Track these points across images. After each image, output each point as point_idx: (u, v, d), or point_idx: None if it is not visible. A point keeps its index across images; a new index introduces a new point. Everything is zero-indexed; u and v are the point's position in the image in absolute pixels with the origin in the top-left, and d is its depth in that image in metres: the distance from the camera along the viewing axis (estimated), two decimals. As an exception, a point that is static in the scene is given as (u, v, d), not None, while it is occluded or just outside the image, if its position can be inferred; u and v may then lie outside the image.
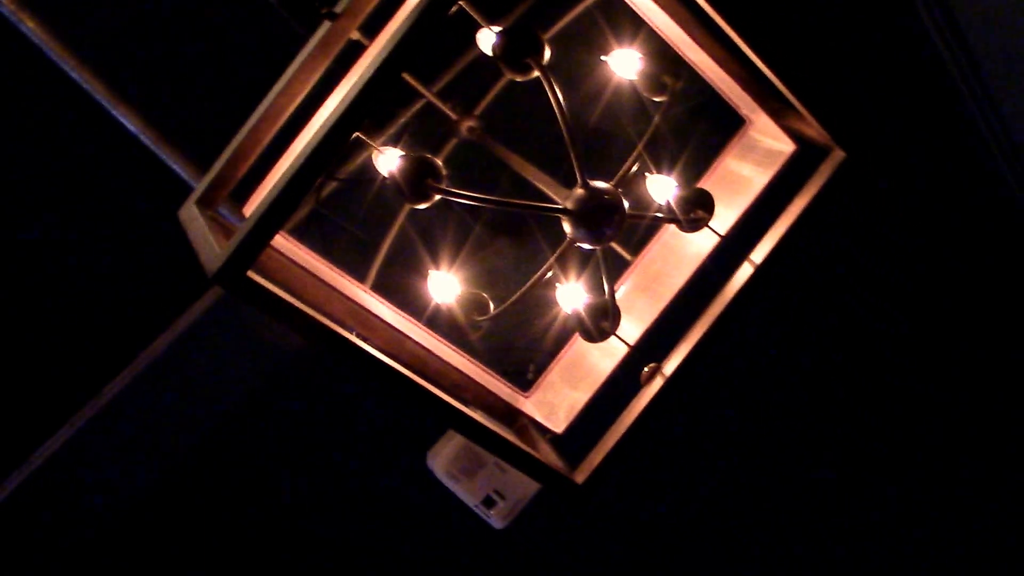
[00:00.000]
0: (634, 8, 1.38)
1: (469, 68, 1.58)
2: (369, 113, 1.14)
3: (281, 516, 2.15)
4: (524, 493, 1.95)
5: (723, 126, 1.54)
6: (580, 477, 1.43)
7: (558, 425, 1.49)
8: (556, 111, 1.24)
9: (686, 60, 1.39)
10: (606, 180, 1.30)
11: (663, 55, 1.36)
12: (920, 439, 2.42)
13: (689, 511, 2.47)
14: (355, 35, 1.34)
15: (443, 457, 1.93)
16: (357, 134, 1.26)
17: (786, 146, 1.47)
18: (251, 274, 1.15)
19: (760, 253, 1.43)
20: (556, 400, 1.53)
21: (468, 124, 1.58)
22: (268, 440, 2.09)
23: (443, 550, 2.30)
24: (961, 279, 2.40)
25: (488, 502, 1.95)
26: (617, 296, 1.49)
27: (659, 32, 1.39)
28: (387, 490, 2.21)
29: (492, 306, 1.35)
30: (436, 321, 1.44)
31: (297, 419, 2.09)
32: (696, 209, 1.41)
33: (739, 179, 1.51)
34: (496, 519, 1.96)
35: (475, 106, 1.59)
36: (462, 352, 1.48)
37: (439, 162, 1.24)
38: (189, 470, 1.98)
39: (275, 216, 1.14)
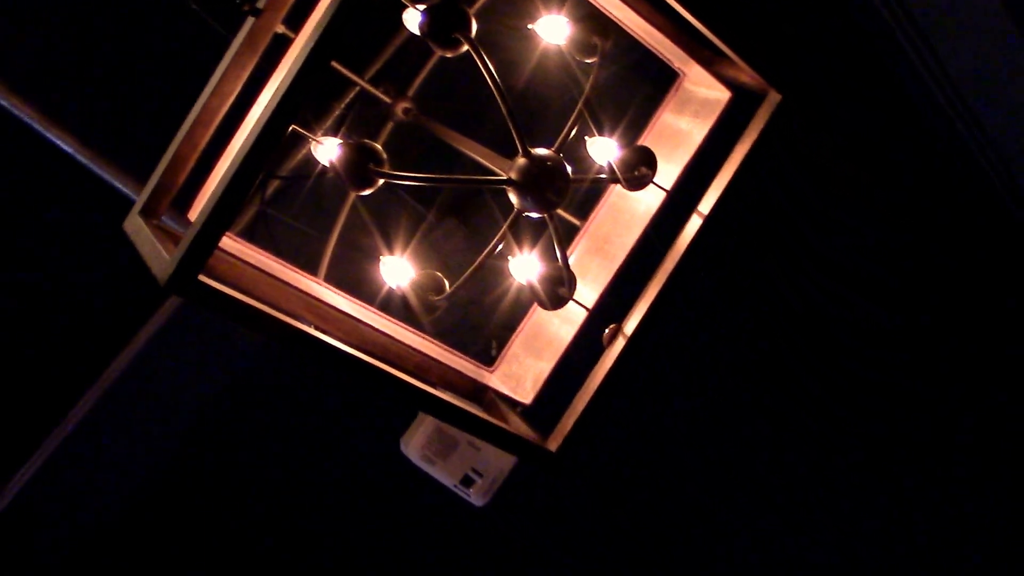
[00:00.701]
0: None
1: (398, 50, 1.58)
2: (303, 105, 1.13)
3: (263, 516, 2.14)
4: (501, 468, 1.96)
5: (657, 82, 1.54)
6: (553, 444, 1.43)
7: (526, 396, 1.49)
8: (490, 83, 1.24)
9: (613, 19, 1.39)
10: (547, 147, 1.30)
11: (591, 16, 1.35)
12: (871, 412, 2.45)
13: (666, 479, 2.50)
14: (280, 29, 1.33)
15: (416, 441, 1.93)
16: (294, 127, 1.25)
17: (721, 94, 1.48)
18: (203, 278, 1.15)
19: (707, 203, 1.43)
20: (521, 372, 1.53)
21: (403, 106, 1.58)
22: (241, 443, 2.08)
23: (427, 533, 2.31)
24: (907, 229, 2.43)
25: (467, 481, 1.96)
26: (570, 262, 1.49)
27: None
28: (365, 480, 2.21)
29: (447, 285, 1.35)
30: (394, 306, 1.44)
31: (268, 419, 2.09)
32: (639, 167, 1.42)
33: (678, 133, 1.51)
34: (476, 497, 1.96)
35: (408, 87, 1.59)
36: (423, 334, 1.47)
37: (378, 146, 1.24)
38: (166, 480, 1.97)
39: (219, 219, 1.13)
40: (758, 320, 2.42)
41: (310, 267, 1.43)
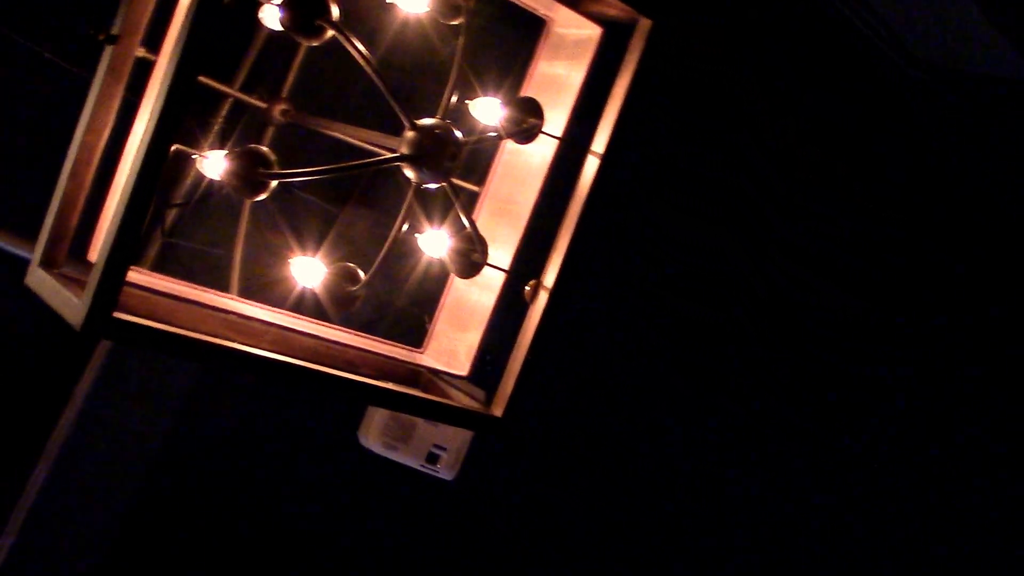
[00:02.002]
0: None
1: (262, 52, 1.56)
2: (180, 126, 1.11)
3: (242, 537, 2.13)
4: (464, 438, 1.98)
5: (527, 32, 1.54)
6: (498, 410, 1.44)
7: (462, 368, 1.49)
8: (362, 64, 1.23)
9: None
10: (432, 116, 1.30)
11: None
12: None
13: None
14: (140, 52, 1.30)
15: (374, 431, 1.94)
16: (177, 147, 1.23)
17: (592, 31, 1.48)
18: (118, 315, 1.13)
19: (600, 142, 1.44)
20: (452, 346, 1.53)
21: (279, 108, 1.56)
22: (202, 473, 2.06)
23: (405, 518, 2.31)
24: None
25: (432, 458, 1.97)
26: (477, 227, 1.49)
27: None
28: (333, 481, 2.20)
29: (362, 273, 1.34)
30: (315, 306, 1.43)
31: (223, 444, 2.07)
32: (526, 119, 1.42)
33: (557, 78, 1.52)
34: (445, 471, 1.98)
35: (281, 88, 1.57)
36: (349, 330, 1.47)
37: (265, 149, 1.22)
38: (135, 522, 1.95)
39: (120, 253, 1.11)
40: (720, 302, 2.45)
41: (225, 285, 1.41)
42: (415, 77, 1.54)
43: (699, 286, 2.47)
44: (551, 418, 2.39)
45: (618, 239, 2.47)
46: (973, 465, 2.03)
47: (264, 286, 1.45)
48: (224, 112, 1.62)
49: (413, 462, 1.97)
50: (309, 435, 2.12)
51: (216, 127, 1.58)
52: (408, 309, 1.67)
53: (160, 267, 1.54)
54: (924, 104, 2.23)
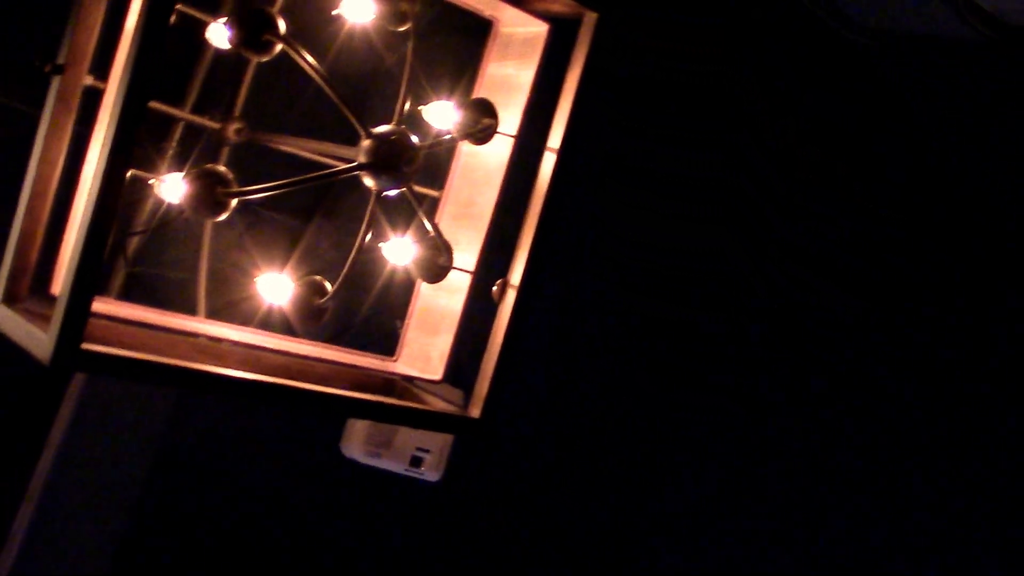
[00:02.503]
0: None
1: (211, 71, 1.55)
2: (133, 154, 1.11)
3: (233, 558, 2.12)
4: (446, 439, 1.98)
5: (475, 35, 1.54)
6: (475, 411, 1.44)
7: (436, 373, 1.49)
8: (314, 76, 1.23)
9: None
10: (386, 124, 1.30)
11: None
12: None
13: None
14: (89, 80, 1.30)
15: (356, 441, 1.95)
16: (133, 172, 1.22)
17: (539, 28, 1.49)
18: (87, 346, 1.12)
19: (556, 138, 1.44)
20: (424, 352, 1.53)
21: (233, 127, 1.55)
22: (190, 495, 2.05)
23: (395, 524, 2.31)
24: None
25: (416, 461, 1.98)
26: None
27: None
28: (320, 495, 2.20)
29: (329, 286, 1.34)
30: (285, 322, 1.42)
31: (206, 467, 2.06)
32: (481, 120, 1.43)
33: (508, 78, 1.52)
34: (430, 473, 1.99)
35: (233, 107, 1.56)
36: (320, 343, 1.46)
37: (222, 168, 1.22)
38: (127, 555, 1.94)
39: (84, 284, 1.10)
40: (720, 302, 2.46)
41: (192, 308, 1.41)
42: (366, 86, 1.54)
43: (691, 286, 2.48)
44: (534, 412, 2.40)
45: (614, 237, 2.48)
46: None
47: (232, 306, 1.45)
48: (177, 135, 1.62)
49: (397, 467, 1.98)
50: (292, 450, 2.11)
51: (170, 150, 1.57)
52: (378, 318, 1.67)
53: (125, 295, 1.53)
54: (875, 71, 2.25)
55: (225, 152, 1.54)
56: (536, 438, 2.44)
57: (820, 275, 2.37)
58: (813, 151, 2.36)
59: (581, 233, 2.45)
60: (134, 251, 1.63)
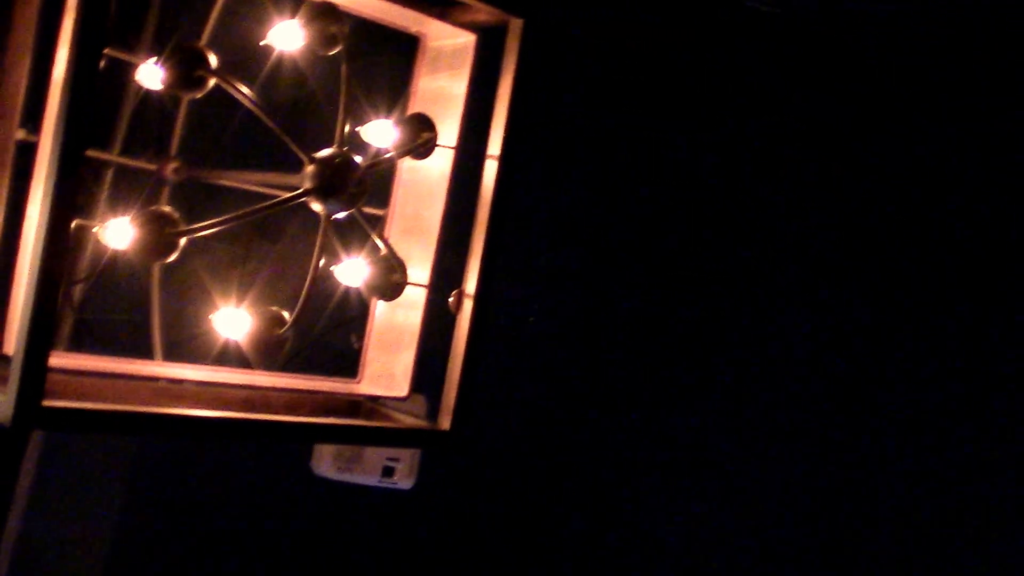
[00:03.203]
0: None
1: (143, 111, 1.53)
2: (74, 204, 1.10)
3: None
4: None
5: (403, 52, 1.54)
6: (445, 423, 1.44)
7: (402, 390, 1.49)
8: (251, 107, 1.22)
9: (338, 6, 1.38)
10: (327, 147, 1.30)
11: (318, 11, 1.34)
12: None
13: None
14: (20, 135, 1.28)
15: (326, 460, 1.95)
16: (77, 222, 1.20)
17: (467, 39, 1.49)
18: (47, 403, 1.10)
19: (495, 145, 1.44)
20: (387, 370, 1.53)
21: (170, 166, 1.54)
22: (165, 538, 2.03)
23: (375, 535, 2.30)
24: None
25: (387, 472, 1.98)
26: (391, 249, 1.48)
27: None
28: (298, 518, 2.19)
29: (287, 315, 1.33)
30: (243, 357, 1.41)
31: (179, 505, 2.04)
32: (420, 134, 1.43)
33: (441, 91, 1.52)
34: (403, 481, 2.00)
35: (168, 146, 1.55)
36: (281, 373, 1.45)
37: (167, 209, 1.21)
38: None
39: (39, 341, 1.09)
40: (690, 300, 2.46)
41: (148, 351, 1.39)
42: (300, 112, 1.53)
43: (659, 284, 2.49)
44: (503, 413, 2.40)
45: (578, 237, 2.49)
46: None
47: (188, 345, 1.44)
48: (109, 179, 1.60)
49: (370, 480, 2.00)
50: (263, 476, 2.10)
51: (103, 195, 1.55)
52: (336, 340, 1.66)
53: (76, 345, 1.51)
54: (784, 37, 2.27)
55: (165, 192, 1.52)
56: (505, 437, 2.44)
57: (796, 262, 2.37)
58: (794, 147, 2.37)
59: (550, 235, 2.46)
60: (79, 298, 1.61)
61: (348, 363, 1.56)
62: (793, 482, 2.29)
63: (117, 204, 1.57)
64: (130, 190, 1.58)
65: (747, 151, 2.42)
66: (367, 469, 2.02)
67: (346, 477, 2.01)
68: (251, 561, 2.16)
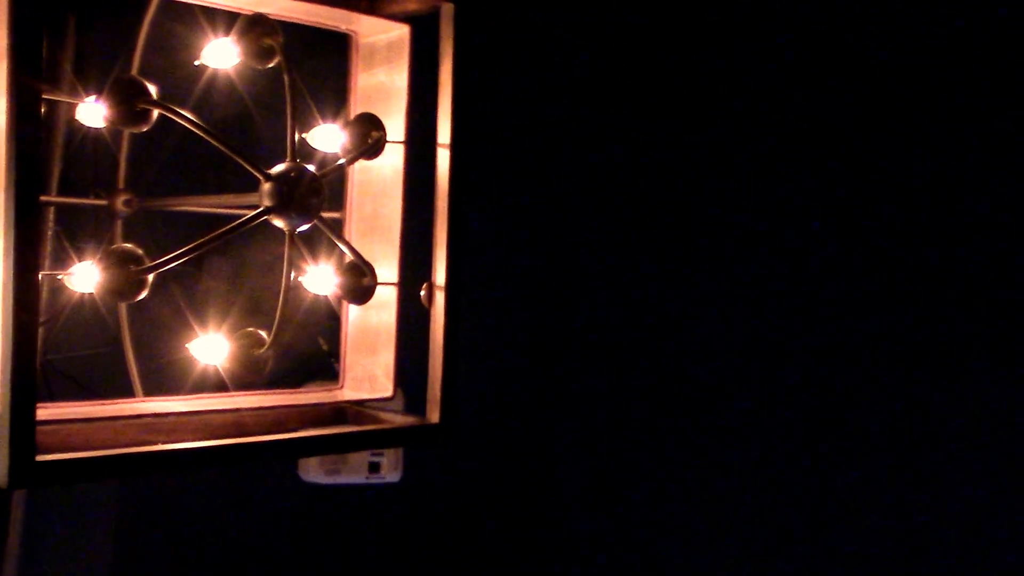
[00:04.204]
0: (191, 1, 1.35)
1: (83, 147, 1.51)
2: (38, 256, 1.08)
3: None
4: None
5: (336, 52, 1.53)
6: (433, 416, 1.44)
7: (387, 391, 1.49)
8: (198, 132, 1.21)
9: (265, 16, 1.36)
10: (281, 161, 1.29)
11: (249, 26, 1.32)
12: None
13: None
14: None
15: (313, 466, 1.96)
16: (43, 274, 1.18)
17: (400, 30, 1.48)
18: (41, 458, 1.09)
19: (444, 133, 1.44)
20: (368, 373, 1.52)
21: (120, 199, 1.52)
22: (162, 564, 2.02)
23: (371, 532, 2.30)
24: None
25: (373, 467, 1.99)
26: (355, 251, 1.48)
27: (223, 6, 1.36)
28: (293, 528, 2.19)
29: (265, 335, 1.32)
30: (222, 381, 1.40)
31: (171, 531, 2.03)
32: (369, 134, 1.42)
33: (382, 86, 1.51)
34: (390, 475, 2.01)
35: (115, 179, 1.53)
36: (263, 391, 1.45)
37: (130, 247, 1.19)
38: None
39: (24, 396, 1.07)
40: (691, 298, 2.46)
41: (129, 390, 1.38)
42: (243, 126, 1.52)
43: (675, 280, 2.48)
44: (482, 400, 2.40)
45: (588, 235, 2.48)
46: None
47: (166, 377, 1.42)
48: (59, 219, 1.58)
49: (358, 478, 2.01)
50: (251, 491, 2.09)
51: (53, 235, 1.54)
52: (305, 347, 1.66)
53: (53, 394, 1.49)
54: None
55: (119, 226, 1.51)
56: (484, 423, 2.45)
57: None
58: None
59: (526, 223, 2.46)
60: (46, 344, 1.59)
61: (322, 367, 1.56)
62: (782, 474, 2.31)
63: (71, 244, 1.55)
64: (79, 227, 1.57)
65: (727, 144, 2.41)
66: (354, 468, 2.03)
67: (335, 479, 2.02)
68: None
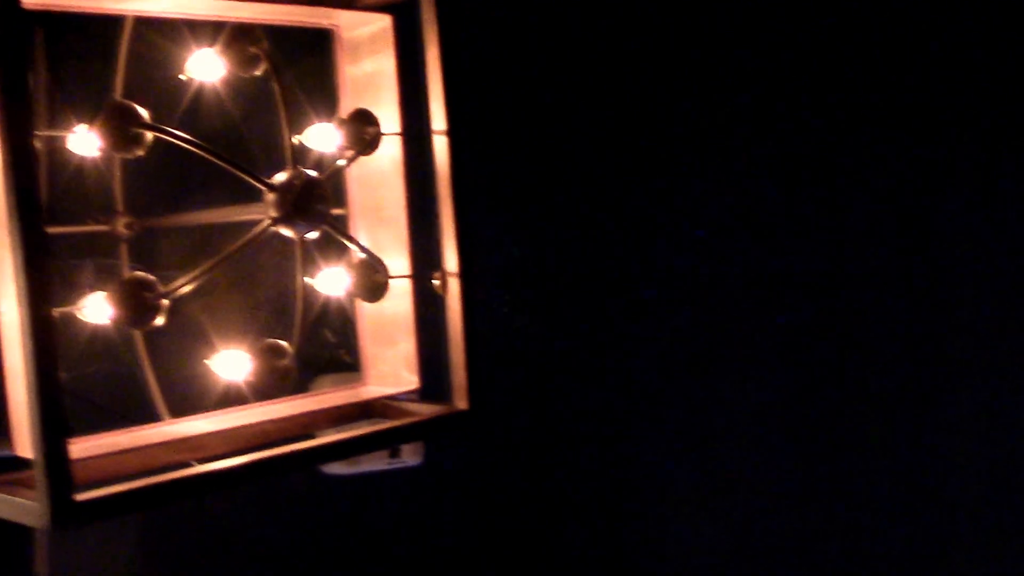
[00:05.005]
0: (168, 16, 1.33)
1: (75, 176, 1.49)
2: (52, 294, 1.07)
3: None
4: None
5: (325, 49, 1.52)
6: (461, 403, 1.44)
7: (411, 383, 1.49)
8: (194, 150, 1.19)
9: (246, 23, 1.34)
10: (280, 168, 1.27)
11: (231, 37, 1.30)
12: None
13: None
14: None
15: None
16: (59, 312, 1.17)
17: (383, 21, 1.47)
18: (79, 497, 1.09)
19: (438, 120, 1.42)
20: (391, 366, 1.52)
21: (122, 222, 1.50)
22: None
23: (400, 517, 2.30)
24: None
25: (394, 452, 1.98)
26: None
27: (201, 18, 1.34)
28: (320, 523, 2.18)
29: (287, 344, 1.31)
30: (245, 392, 1.39)
31: (197, 542, 2.03)
32: (364, 130, 1.41)
33: (369, 77, 1.50)
34: (411, 458, 1.99)
35: (113, 202, 1.51)
36: (289, 398, 1.44)
37: (142, 274, 1.18)
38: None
39: (55, 437, 1.07)
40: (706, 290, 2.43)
41: (153, 414, 1.38)
42: (249, 136, 1.50)
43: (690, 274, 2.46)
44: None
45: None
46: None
47: (188, 395, 1.42)
48: (58, 251, 1.56)
49: (380, 465, 1.99)
50: (274, 493, 2.08)
51: (66, 267, 1.52)
52: (330, 349, 1.65)
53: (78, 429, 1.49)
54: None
55: (124, 250, 1.49)
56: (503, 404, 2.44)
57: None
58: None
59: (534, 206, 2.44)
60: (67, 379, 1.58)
61: (332, 360, 1.55)
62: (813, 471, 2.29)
63: (76, 273, 1.54)
64: (79, 254, 1.55)
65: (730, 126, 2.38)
66: (374, 456, 2.02)
67: (357, 469, 2.01)
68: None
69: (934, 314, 2.10)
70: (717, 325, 2.37)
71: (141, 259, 1.49)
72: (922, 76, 2.07)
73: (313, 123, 1.43)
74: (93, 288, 1.22)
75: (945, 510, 2.09)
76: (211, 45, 1.31)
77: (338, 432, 1.37)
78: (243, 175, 1.22)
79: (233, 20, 1.33)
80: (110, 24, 1.39)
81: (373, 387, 1.52)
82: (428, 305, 1.49)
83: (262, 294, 1.65)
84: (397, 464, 2.04)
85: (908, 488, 2.14)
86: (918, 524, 2.13)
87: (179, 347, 1.48)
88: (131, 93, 1.40)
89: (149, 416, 1.41)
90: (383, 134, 1.43)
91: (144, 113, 1.18)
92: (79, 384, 1.48)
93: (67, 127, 1.28)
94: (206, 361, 1.35)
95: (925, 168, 2.09)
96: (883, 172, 2.15)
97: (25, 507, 1.12)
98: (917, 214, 2.11)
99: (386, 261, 1.44)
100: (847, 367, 2.22)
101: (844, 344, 2.22)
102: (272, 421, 1.41)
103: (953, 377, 2.08)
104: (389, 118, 1.46)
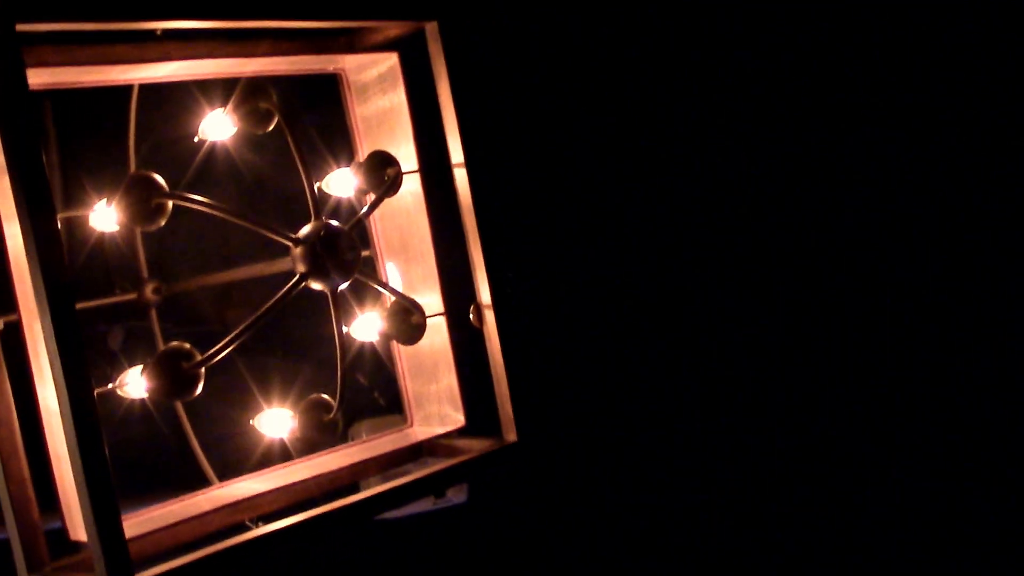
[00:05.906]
0: (176, 79, 1.32)
1: (101, 249, 1.48)
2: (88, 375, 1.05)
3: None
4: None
5: (333, 96, 1.50)
6: (510, 436, 1.42)
7: (457, 420, 1.47)
8: (217, 214, 1.18)
9: (254, 79, 1.33)
10: (306, 222, 1.26)
11: (244, 91, 1.29)
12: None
13: None
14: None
15: None
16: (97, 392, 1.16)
17: (389, 59, 1.45)
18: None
19: (456, 153, 1.41)
20: (436, 405, 1.50)
21: (149, 288, 1.49)
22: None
23: (449, 559, 2.28)
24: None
25: (439, 492, 1.96)
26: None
27: (207, 77, 1.33)
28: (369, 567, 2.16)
29: (331, 399, 1.29)
30: (294, 448, 1.38)
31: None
32: (384, 171, 1.39)
33: (381, 116, 1.48)
34: (457, 496, 1.97)
35: (139, 269, 1.50)
36: (335, 449, 1.42)
37: (177, 344, 1.16)
38: None
39: (109, 519, 1.06)
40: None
41: (202, 480, 1.36)
42: (268, 192, 1.49)
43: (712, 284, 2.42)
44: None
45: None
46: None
47: (239, 458, 1.40)
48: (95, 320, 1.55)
49: (427, 505, 1.97)
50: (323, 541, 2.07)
51: (100, 341, 1.51)
52: (366, 395, 1.64)
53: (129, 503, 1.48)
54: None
55: (154, 315, 1.48)
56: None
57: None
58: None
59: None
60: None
61: (368, 403, 1.54)
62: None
63: (108, 338, 1.53)
64: (110, 320, 1.54)
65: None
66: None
67: (404, 511, 1.98)
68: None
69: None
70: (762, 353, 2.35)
71: (171, 318, 1.48)
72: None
73: (332, 169, 1.42)
74: (126, 353, 1.21)
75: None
76: (220, 104, 1.30)
77: (394, 479, 1.35)
78: (267, 233, 1.20)
79: (238, 75, 1.32)
80: (118, 94, 1.39)
81: (419, 428, 1.51)
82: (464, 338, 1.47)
83: (297, 345, 1.64)
84: (444, 503, 2.01)
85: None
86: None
87: (220, 409, 1.47)
88: (145, 161, 1.40)
89: (199, 481, 1.39)
90: (403, 173, 1.41)
91: (163, 183, 1.17)
92: (125, 454, 1.47)
93: (84, 202, 1.27)
94: (252, 422, 1.33)
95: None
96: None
97: (86, 592, 1.11)
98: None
99: (417, 298, 1.42)
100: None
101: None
102: (324, 474, 1.39)
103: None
104: (406, 155, 1.45)
